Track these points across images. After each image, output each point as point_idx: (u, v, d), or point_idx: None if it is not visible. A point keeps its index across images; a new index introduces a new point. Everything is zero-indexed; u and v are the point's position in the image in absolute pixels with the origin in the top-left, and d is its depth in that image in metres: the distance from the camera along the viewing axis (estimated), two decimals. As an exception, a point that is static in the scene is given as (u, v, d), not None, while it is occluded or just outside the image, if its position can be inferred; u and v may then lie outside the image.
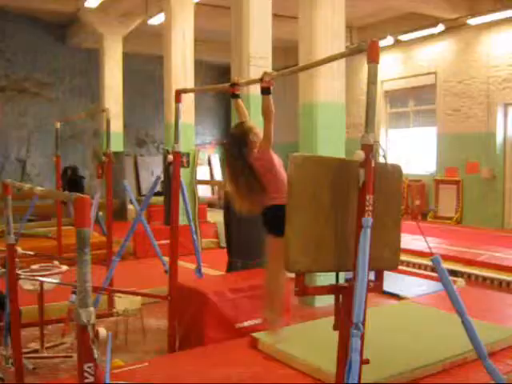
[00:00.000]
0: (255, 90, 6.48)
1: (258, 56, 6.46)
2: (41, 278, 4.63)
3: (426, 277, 7.30)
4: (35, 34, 15.50)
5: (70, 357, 4.65)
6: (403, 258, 8.21)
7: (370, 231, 2.51)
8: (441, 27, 13.14)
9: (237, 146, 3.68)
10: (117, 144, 12.38)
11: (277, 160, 3.63)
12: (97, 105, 14.83)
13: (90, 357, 2.05)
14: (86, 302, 2.05)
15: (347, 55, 3.15)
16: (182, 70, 9.91)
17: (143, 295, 5.45)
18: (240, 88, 4.12)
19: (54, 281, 4.73)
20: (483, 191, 13.00)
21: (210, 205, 15.26)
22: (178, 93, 4.69)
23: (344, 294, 2.76)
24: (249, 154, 3.60)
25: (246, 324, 4.82)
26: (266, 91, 3.45)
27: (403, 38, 14.09)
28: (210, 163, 19.39)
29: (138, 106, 17.20)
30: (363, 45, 2.73)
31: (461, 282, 6.97)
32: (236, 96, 4.09)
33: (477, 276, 7.63)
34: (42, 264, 5.11)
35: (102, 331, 2.16)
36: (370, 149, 2.60)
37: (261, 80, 3.46)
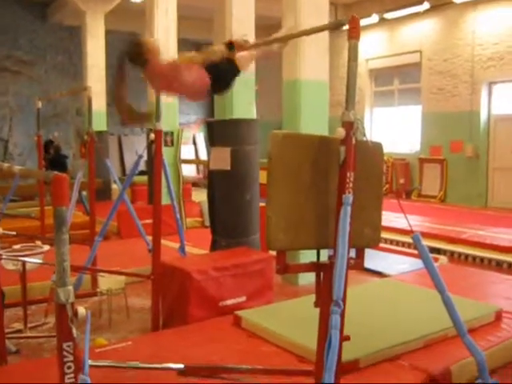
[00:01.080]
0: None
1: (240, 33, 6.39)
2: (23, 258, 4.59)
3: (408, 254, 7.35)
4: (16, 12, 15.24)
5: (54, 336, 4.63)
6: (386, 236, 8.28)
7: (350, 208, 2.51)
8: (426, 5, 13.13)
9: None
10: (100, 123, 12.29)
11: None
12: (79, 83, 14.66)
13: (69, 336, 2.05)
14: (64, 281, 2.04)
15: (327, 29, 3.13)
16: (164, 47, 9.74)
17: (127, 274, 5.43)
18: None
19: (36, 261, 4.70)
20: (467, 170, 13.09)
21: (195, 184, 15.23)
22: (160, 70, 4.62)
23: (325, 272, 2.76)
24: None
25: (229, 302, 4.83)
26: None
27: (388, 16, 14.06)
28: (194, 142, 19.31)
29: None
30: (344, 20, 2.71)
31: (443, 259, 7.03)
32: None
33: (460, 254, 7.71)
34: (24, 244, 5.07)
35: (81, 310, 2.15)
36: (350, 126, 2.59)
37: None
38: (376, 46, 15.17)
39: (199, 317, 4.62)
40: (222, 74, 3.87)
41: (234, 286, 4.87)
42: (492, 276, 6.17)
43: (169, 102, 9.16)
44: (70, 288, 2.03)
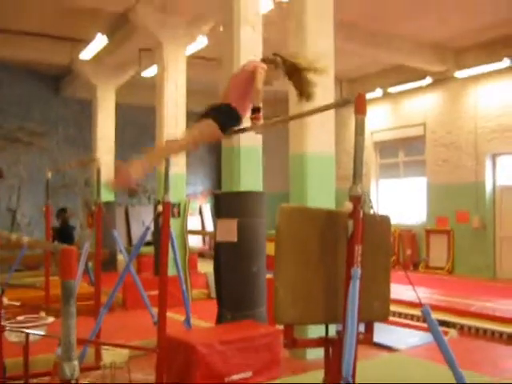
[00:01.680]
0: (246, 141, 6.57)
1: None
2: (26, 330, 4.54)
3: (418, 328, 7.22)
4: (29, 85, 15.68)
5: (55, 411, 4.53)
6: (395, 308, 8.15)
7: (358, 282, 2.50)
8: (428, 80, 13.45)
9: None
10: (108, 194, 12.39)
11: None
12: (89, 154, 14.90)
13: (74, 411, 2.00)
14: (69, 356, 2.01)
15: (334, 107, 3.21)
16: (173, 120, 10.02)
17: (131, 348, 5.34)
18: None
19: (40, 332, 4.64)
20: (474, 241, 13.03)
21: (201, 255, 15.19)
22: (169, 144, 4.71)
23: (333, 347, 2.73)
24: None
25: (235, 377, 4.73)
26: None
27: (392, 90, 14.38)
28: (201, 213, 19.38)
29: (130, 156, 17.15)
30: (350, 97, 2.78)
31: (453, 332, 6.90)
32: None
33: (469, 327, 7.56)
34: (28, 315, 5.01)
35: (86, 386, 2.11)
36: (358, 200, 2.62)
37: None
38: (381, 119, 15.44)
39: (205, 392, 4.51)
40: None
41: (240, 361, 4.78)
42: (503, 349, 6.05)
43: (177, 174, 9.30)
44: (76, 363, 2.00)
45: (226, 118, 3.87)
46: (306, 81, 3.89)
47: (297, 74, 3.96)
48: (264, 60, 4.04)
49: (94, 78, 13.40)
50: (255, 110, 3.76)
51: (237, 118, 3.93)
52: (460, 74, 12.76)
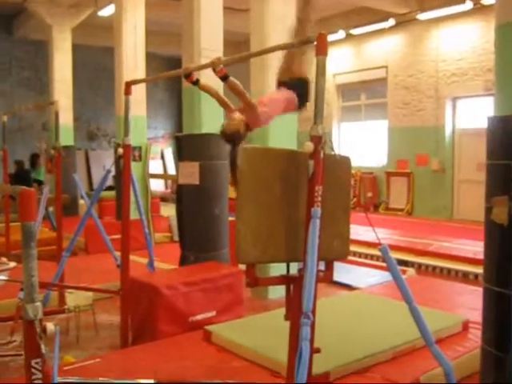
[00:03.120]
0: (207, 81, 6.47)
1: (209, 49, 6.42)
2: (-12, 275, 4.51)
3: (378, 267, 7.42)
4: (-21, 25, 15.07)
5: (20, 355, 4.54)
6: (356, 249, 8.36)
7: (318, 222, 2.54)
8: (391, 22, 13.35)
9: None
10: (67, 138, 12.15)
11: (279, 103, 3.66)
12: (46, 98, 14.51)
13: (38, 352, 2.02)
14: (32, 297, 2.02)
15: (295, 46, 3.17)
16: (133, 62, 9.77)
17: (95, 290, 5.37)
18: (194, 73, 3.99)
19: (2, 278, 4.61)
20: (433, 183, 13.31)
21: (164, 199, 15.16)
22: (128, 85, 4.63)
23: (294, 284, 2.79)
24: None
25: (199, 317, 4.81)
26: (223, 79, 3.37)
27: (354, 32, 14.26)
28: (163, 157, 19.25)
29: (89, 98, 16.93)
30: (312, 37, 2.75)
31: (411, 271, 7.12)
32: (196, 83, 3.95)
33: (427, 266, 7.82)
34: (-11, 261, 4.98)
35: (50, 326, 2.12)
36: (318, 140, 2.62)
37: (214, 70, 3.39)
38: (343, 61, 15.37)
39: (169, 332, 4.58)
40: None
41: (203, 301, 4.85)
42: (459, 287, 6.27)
43: (137, 116, 9.13)
44: (39, 304, 2.01)
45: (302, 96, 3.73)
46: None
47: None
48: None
49: (48, 18, 12.90)
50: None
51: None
52: (422, 16, 12.71)
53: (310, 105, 2.80)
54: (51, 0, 12.28)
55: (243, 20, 8.93)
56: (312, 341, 2.54)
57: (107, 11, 12.14)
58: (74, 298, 5.06)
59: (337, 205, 2.99)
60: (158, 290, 4.62)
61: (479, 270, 7.07)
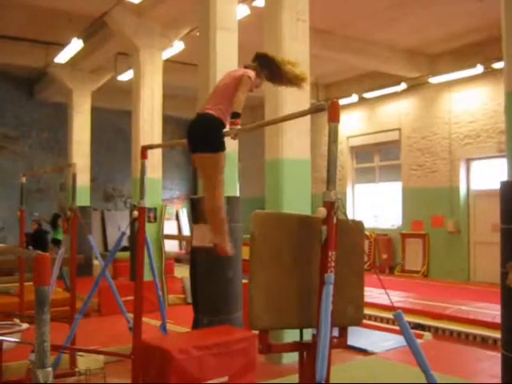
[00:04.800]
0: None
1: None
2: (0, 337, 4.49)
3: (393, 331, 7.28)
4: (2, 88, 15.52)
5: (29, 419, 4.48)
6: (371, 312, 8.23)
7: (332, 287, 2.52)
8: (403, 85, 13.61)
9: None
10: (84, 198, 12.32)
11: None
12: (63, 159, 14.77)
13: (47, 419, 1.99)
14: (43, 362, 2.00)
15: (308, 113, 3.24)
16: (149, 125, 9.99)
17: (106, 354, 5.32)
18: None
19: (14, 339, 4.59)
20: (449, 244, 13.19)
21: (178, 260, 15.14)
22: (144, 149, 4.72)
23: (308, 351, 2.75)
24: None
25: (211, 382, 4.71)
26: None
27: (368, 95, 14.52)
28: (177, 218, 19.32)
29: (106, 160, 17.20)
30: (324, 104, 2.81)
31: (428, 335, 6.98)
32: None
33: (444, 330, 7.65)
34: (2, 322, 4.96)
35: (60, 393, 2.10)
36: (331, 205, 2.64)
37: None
38: (356, 124, 15.58)
39: (180, 398, 4.50)
40: None
41: (216, 366, 4.76)
42: (477, 352, 6.14)
43: (153, 179, 9.27)
44: (50, 370, 2.00)
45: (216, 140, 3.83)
46: (293, 79, 3.89)
47: (280, 78, 3.96)
48: (247, 67, 4.02)
49: (69, 82, 13.30)
50: (235, 115, 3.75)
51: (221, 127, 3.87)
52: (434, 79, 12.94)
53: (324, 167, 2.82)
54: (72, 65, 12.67)
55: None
56: (326, 410, 2.48)
57: (126, 76, 12.50)
58: (85, 361, 5.02)
59: (350, 270, 2.98)
60: (169, 354, 4.56)
61: (498, 334, 6.93)
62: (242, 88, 3.81)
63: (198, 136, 3.86)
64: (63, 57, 11.74)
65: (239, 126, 3.72)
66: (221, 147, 3.77)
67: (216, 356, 4.77)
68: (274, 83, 4.07)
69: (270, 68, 3.95)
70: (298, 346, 2.82)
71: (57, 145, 16.19)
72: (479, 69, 11.86)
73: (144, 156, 4.69)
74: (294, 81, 3.87)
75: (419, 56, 13.10)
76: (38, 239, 11.80)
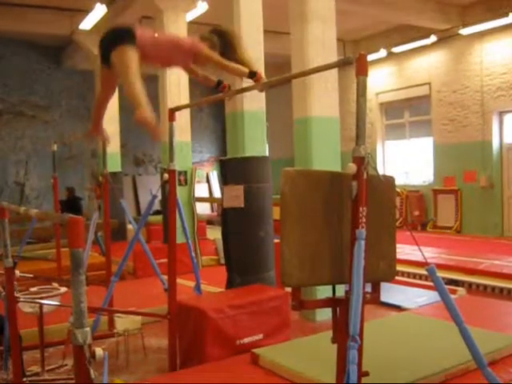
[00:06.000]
0: (249, 105, 6.56)
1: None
2: (40, 301, 4.62)
3: (426, 287, 7.28)
4: (31, 58, 15.61)
5: (72, 379, 4.62)
6: (404, 269, 8.22)
7: (364, 243, 2.52)
8: (433, 38, 13.27)
9: None
10: (114, 164, 12.45)
11: None
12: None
13: (87, 377, 2.05)
14: (81, 323, 2.05)
15: (335, 67, 3.19)
16: (176, 89, 9.96)
17: (143, 314, 5.44)
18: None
19: (54, 303, 4.72)
20: (482, 200, 13.02)
21: (210, 222, 15.28)
22: (172, 112, 4.72)
23: (341, 307, 2.76)
24: None
25: (246, 340, 4.80)
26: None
27: (396, 50, 14.21)
28: (208, 180, 19.42)
29: (135, 126, 17.20)
30: (351, 57, 2.76)
31: (462, 291, 6.95)
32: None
33: (478, 285, 7.62)
34: (41, 286, 5.09)
35: (99, 351, 2.16)
36: (361, 161, 2.62)
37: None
38: (385, 79, 15.31)
39: (216, 356, 4.59)
40: None
41: (250, 324, 4.84)
42: (510, 306, 6.09)
43: (182, 142, 9.29)
44: (88, 329, 2.05)
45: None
46: (245, 62, 3.82)
47: (233, 55, 3.87)
48: (202, 38, 3.93)
49: (95, 49, 13.26)
50: (252, 74, 3.72)
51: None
52: (465, 31, 12.58)
53: (354, 124, 2.79)
54: (97, 31, 12.64)
55: (285, 42, 9.00)
56: (360, 364, 2.50)
57: (151, 40, 12.45)
58: (123, 322, 5.13)
59: (382, 225, 2.96)
60: (205, 314, 4.64)
61: (533, 288, 6.89)
62: (213, 55, 3.80)
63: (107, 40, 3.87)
64: (88, 23, 11.72)
65: (265, 79, 3.71)
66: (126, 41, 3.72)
67: (250, 314, 4.85)
68: (222, 60, 3.88)
69: (225, 44, 3.88)
70: (330, 302, 2.84)
71: (87, 112, 16.28)
72: (511, 18, 11.47)
73: (171, 118, 4.69)
74: (245, 64, 3.79)
75: (449, 6, 12.71)
76: (71, 206, 12.00)
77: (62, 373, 4.88)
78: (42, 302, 4.64)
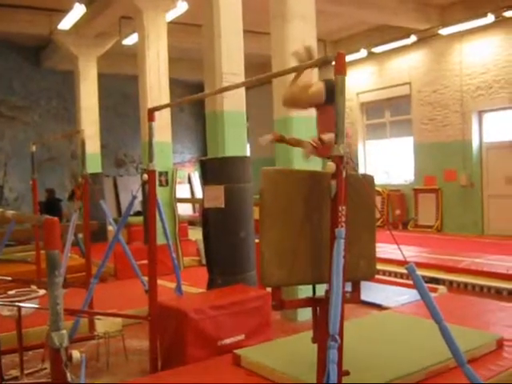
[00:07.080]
0: (229, 106, 6.54)
1: (230, 72, 6.48)
2: (18, 304, 4.55)
3: (408, 286, 7.31)
4: (9, 58, 15.45)
5: (50, 383, 4.56)
6: (385, 267, 8.26)
7: (343, 242, 2.51)
8: (413, 38, 13.36)
9: None
10: (94, 165, 12.34)
11: None
12: (73, 127, 14.78)
13: (64, 380, 2.03)
14: (57, 325, 2.03)
15: (315, 66, 3.19)
16: (157, 89, 9.90)
17: (123, 316, 5.39)
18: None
19: (32, 305, 4.65)
20: (462, 198, 13.13)
21: (192, 223, 15.22)
22: (151, 112, 4.68)
23: (321, 306, 2.76)
24: None
25: (227, 341, 4.77)
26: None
27: (376, 50, 14.28)
28: (190, 181, 19.37)
29: (116, 127, 17.19)
30: (330, 56, 2.76)
31: (443, 289, 7.00)
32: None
33: (459, 283, 7.67)
34: (20, 289, 5.02)
35: (76, 354, 2.13)
36: (340, 160, 2.61)
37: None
38: (366, 79, 15.37)
39: (198, 357, 4.56)
40: None
41: (231, 325, 4.82)
42: (492, 304, 6.13)
43: (162, 142, 9.24)
44: (64, 332, 2.02)
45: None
46: None
47: None
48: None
49: (74, 49, 13.19)
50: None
51: None
52: (444, 31, 12.68)
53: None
54: (76, 31, 12.55)
55: (265, 42, 9.00)
56: (340, 363, 2.50)
57: (131, 40, 12.37)
58: (103, 325, 5.09)
59: (361, 224, 2.96)
60: (186, 315, 4.61)
61: (512, 285, 6.96)
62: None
63: None
64: (66, 23, 11.63)
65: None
66: None
67: (231, 315, 4.83)
68: None
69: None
70: (310, 302, 2.83)
71: (66, 113, 16.17)
72: (490, 18, 11.58)
73: (151, 118, 4.65)
74: None
75: (429, 7, 12.79)
76: (51, 207, 11.89)
77: (41, 376, 4.81)
78: (20, 304, 4.58)
